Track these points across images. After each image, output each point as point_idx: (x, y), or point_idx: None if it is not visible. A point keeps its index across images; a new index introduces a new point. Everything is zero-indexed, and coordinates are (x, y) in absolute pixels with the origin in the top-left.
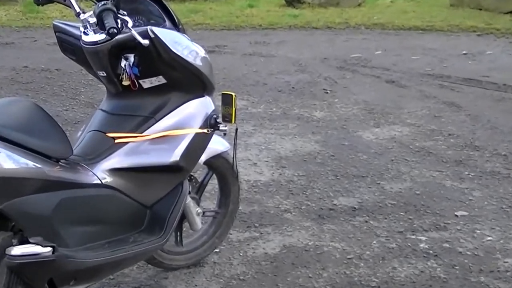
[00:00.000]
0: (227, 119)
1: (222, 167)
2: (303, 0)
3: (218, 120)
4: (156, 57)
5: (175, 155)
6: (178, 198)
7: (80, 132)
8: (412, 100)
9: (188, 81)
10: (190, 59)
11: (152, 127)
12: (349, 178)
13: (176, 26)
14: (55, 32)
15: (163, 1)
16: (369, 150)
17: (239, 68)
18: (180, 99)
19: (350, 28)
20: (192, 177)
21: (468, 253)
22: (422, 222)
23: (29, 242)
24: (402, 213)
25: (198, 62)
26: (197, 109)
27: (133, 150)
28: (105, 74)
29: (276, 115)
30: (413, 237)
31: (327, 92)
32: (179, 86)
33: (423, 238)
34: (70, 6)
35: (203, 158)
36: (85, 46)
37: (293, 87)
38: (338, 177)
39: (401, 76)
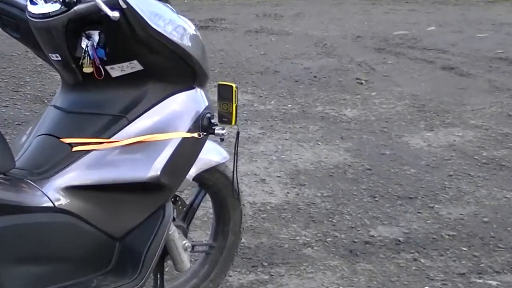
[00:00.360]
0: (225, 119)
1: (218, 185)
2: None
3: (213, 121)
4: (129, 35)
5: (155, 169)
6: (159, 228)
7: (25, 137)
8: (478, 94)
9: (172, 68)
10: (175, 37)
11: (123, 130)
12: (392, 200)
13: None
14: None
15: None
16: (418, 162)
17: (241, 50)
18: (161, 93)
19: None
20: (177, 199)
21: None
22: (493, 261)
23: None
24: (464, 248)
25: (185, 42)
26: (184, 106)
27: (98, 162)
28: (59, 58)
29: (292, 114)
30: (480, 281)
31: (362, 83)
32: (160, 74)
33: (494, 283)
34: None
35: (192, 172)
36: (33, 19)
37: (315, 76)
38: (376, 199)
39: (462, 60)
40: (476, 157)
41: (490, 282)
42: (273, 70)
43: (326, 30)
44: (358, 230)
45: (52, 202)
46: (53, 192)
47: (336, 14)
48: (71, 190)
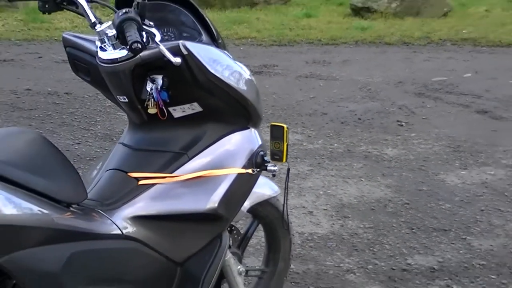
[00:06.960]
0: (277, 156)
1: (270, 216)
2: (373, 8)
3: (265, 158)
4: (190, 79)
5: (213, 201)
6: (216, 254)
7: (95, 171)
8: (510, 136)
9: (229, 110)
10: (232, 82)
11: (184, 166)
12: (428, 232)
13: (214, 40)
14: (65, 47)
15: (199, 10)
16: (453, 198)
17: (292, 94)
18: (219, 132)
19: (433, 44)
20: (233, 228)
21: None
22: None
23: None
24: (493, 276)
25: (241, 86)
26: (240, 144)
27: (161, 194)
28: (126, 100)
29: (338, 153)
30: None
31: (402, 125)
32: (218, 115)
33: None
34: (84, 14)
35: (246, 204)
36: (102, 64)
37: (359, 118)
38: (414, 231)
39: (496, 105)
40: (506, 194)
41: None
42: (321, 112)
43: (370, 76)
44: (397, 259)
45: (120, 230)
46: (121, 221)
47: (379, 61)
48: (138, 219)
